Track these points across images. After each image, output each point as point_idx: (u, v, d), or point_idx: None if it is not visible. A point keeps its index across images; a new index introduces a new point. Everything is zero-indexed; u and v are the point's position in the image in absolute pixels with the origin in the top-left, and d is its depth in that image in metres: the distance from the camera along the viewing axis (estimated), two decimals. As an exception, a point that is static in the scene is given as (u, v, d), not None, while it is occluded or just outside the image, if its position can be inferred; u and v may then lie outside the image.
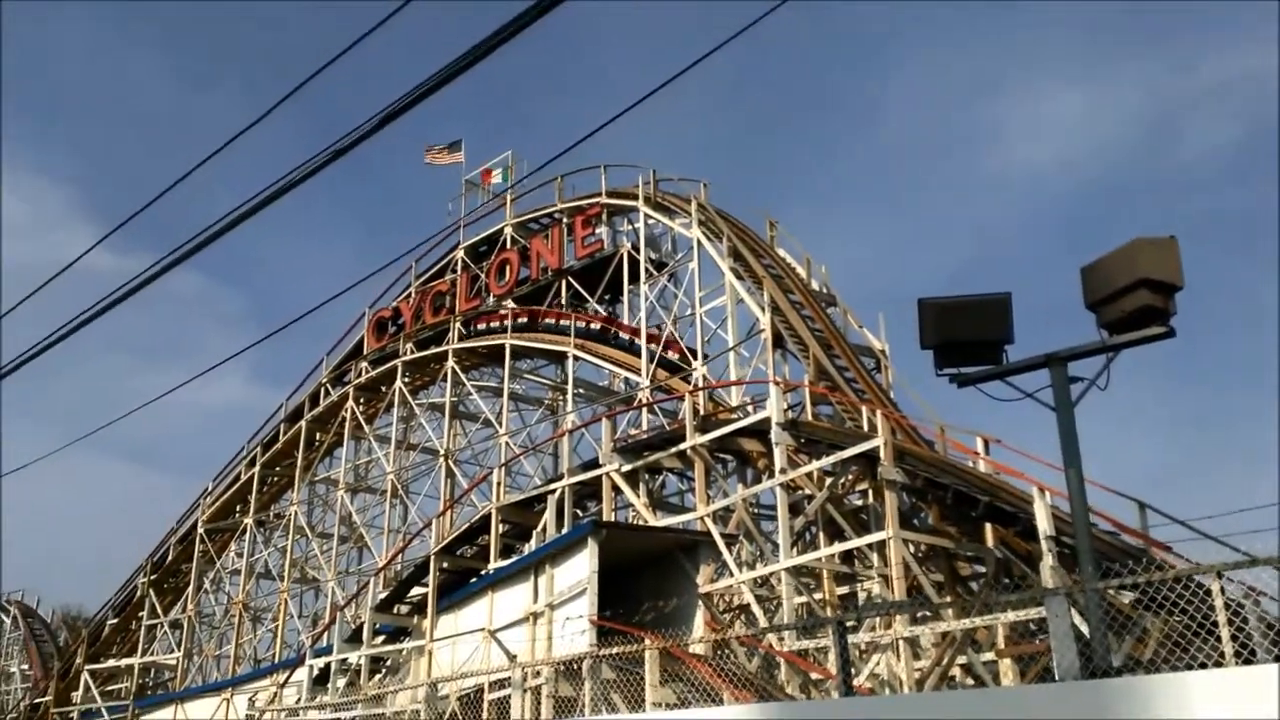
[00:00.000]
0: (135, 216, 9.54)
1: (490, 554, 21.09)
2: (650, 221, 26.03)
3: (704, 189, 26.06)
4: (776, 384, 16.23)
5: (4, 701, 58.08)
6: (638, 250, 26.84)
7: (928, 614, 13.81)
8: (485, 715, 18.75)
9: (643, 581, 18.58)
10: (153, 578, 33.00)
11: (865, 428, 16.30)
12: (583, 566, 17.15)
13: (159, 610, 32.52)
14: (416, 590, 23.89)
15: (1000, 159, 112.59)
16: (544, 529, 20.17)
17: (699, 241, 23.41)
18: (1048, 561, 12.01)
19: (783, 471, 15.44)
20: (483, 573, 23.02)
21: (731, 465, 19.95)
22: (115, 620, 36.85)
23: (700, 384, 21.26)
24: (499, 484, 21.89)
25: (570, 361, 25.55)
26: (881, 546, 14.56)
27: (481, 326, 29.61)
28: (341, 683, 22.92)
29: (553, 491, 20.55)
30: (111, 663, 32.40)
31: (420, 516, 27.55)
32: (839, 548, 15.00)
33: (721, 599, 16.77)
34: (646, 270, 25.70)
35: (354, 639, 23.51)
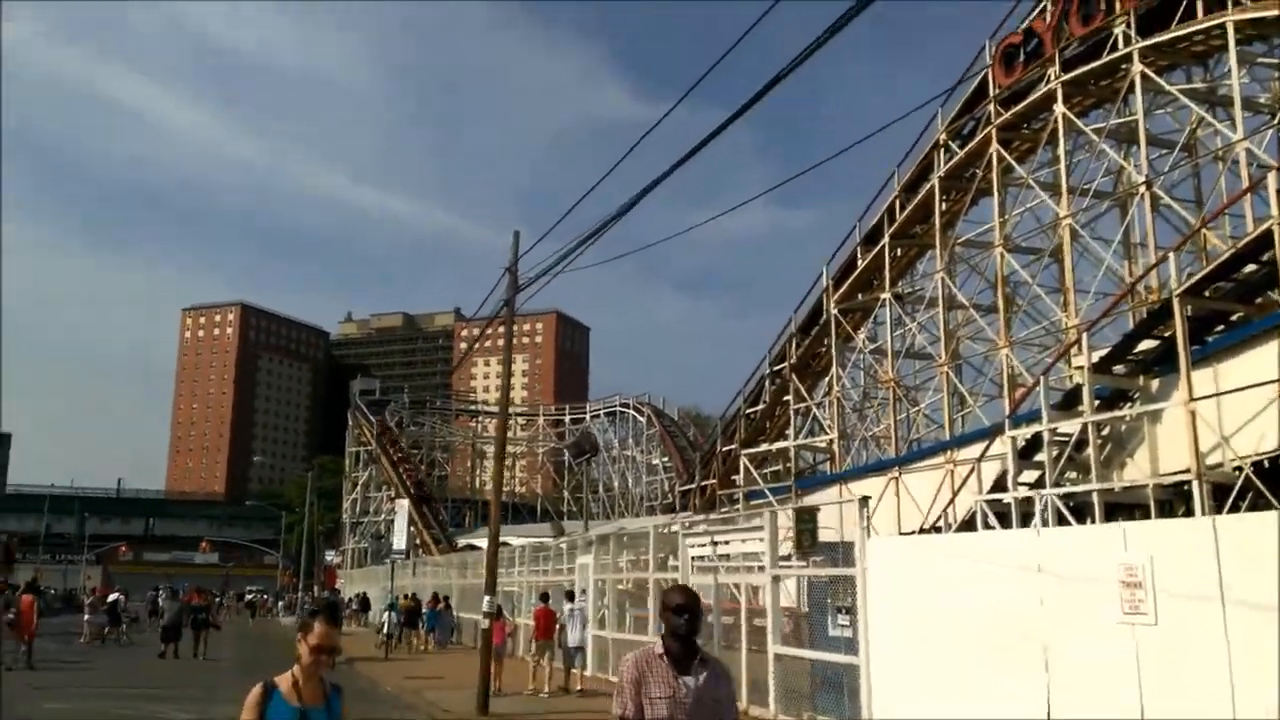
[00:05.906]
0: None
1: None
2: None
3: None
4: None
5: (655, 490, 66.81)
6: None
7: None
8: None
9: None
10: (792, 363, 32.68)
11: None
12: None
13: (804, 394, 32.24)
14: (1142, 346, 19.34)
15: None
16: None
17: None
18: None
19: None
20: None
21: None
22: (750, 410, 38.02)
23: None
24: (1277, 190, 15.97)
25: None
26: None
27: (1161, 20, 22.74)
28: (1055, 454, 19.60)
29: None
30: (764, 446, 33.11)
31: (1122, 268, 22.54)
32: None
33: None
34: None
35: (1064, 405, 19.88)
